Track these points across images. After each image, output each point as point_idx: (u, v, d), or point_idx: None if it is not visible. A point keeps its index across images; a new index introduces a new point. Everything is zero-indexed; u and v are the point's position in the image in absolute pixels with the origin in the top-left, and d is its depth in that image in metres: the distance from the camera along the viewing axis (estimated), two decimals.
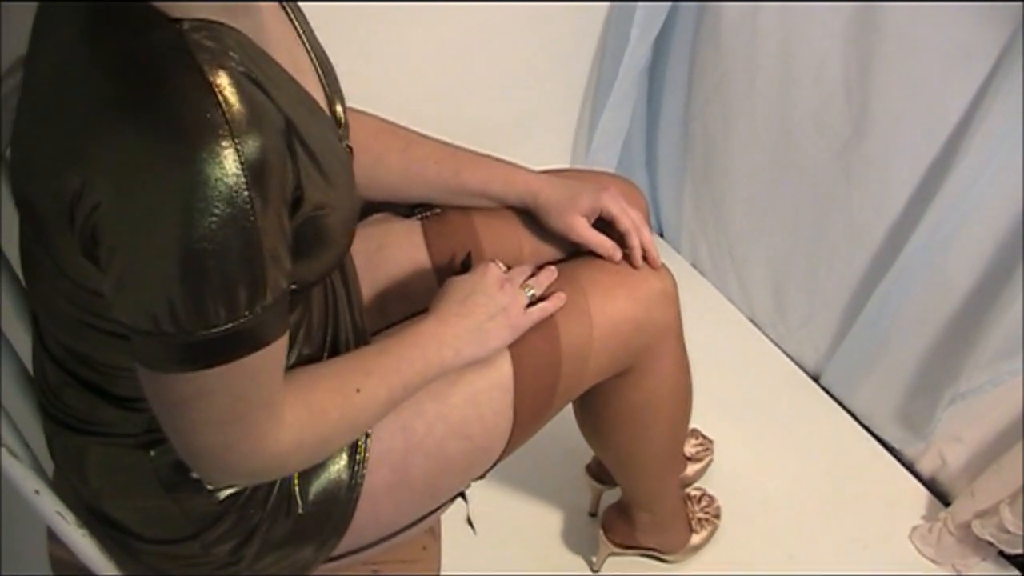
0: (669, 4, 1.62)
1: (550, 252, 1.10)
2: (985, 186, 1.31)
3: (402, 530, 0.97)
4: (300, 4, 0.90)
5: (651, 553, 1.41)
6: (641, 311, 1.02)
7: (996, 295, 1.35)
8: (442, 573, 1.08)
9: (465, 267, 1.05)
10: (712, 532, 1.45)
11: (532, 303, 0.97)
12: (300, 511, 0.89)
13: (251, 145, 0.64)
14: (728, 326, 1.87)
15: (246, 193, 0.63)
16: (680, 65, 1.76)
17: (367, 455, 0.91)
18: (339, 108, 0.89)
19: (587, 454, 1.43)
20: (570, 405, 1.10)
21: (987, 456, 1.46)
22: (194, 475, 0.83)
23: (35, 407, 0.91)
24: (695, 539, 1.42)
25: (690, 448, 1.54)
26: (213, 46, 0.66)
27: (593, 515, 1.50)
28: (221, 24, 0.68)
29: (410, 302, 1.06)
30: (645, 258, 1.05)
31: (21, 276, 0.87)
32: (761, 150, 1.68)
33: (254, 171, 0.64)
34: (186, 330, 0.66)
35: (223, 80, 0.64)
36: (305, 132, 0.73)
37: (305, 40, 0.87)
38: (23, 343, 0.91)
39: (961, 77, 1.30)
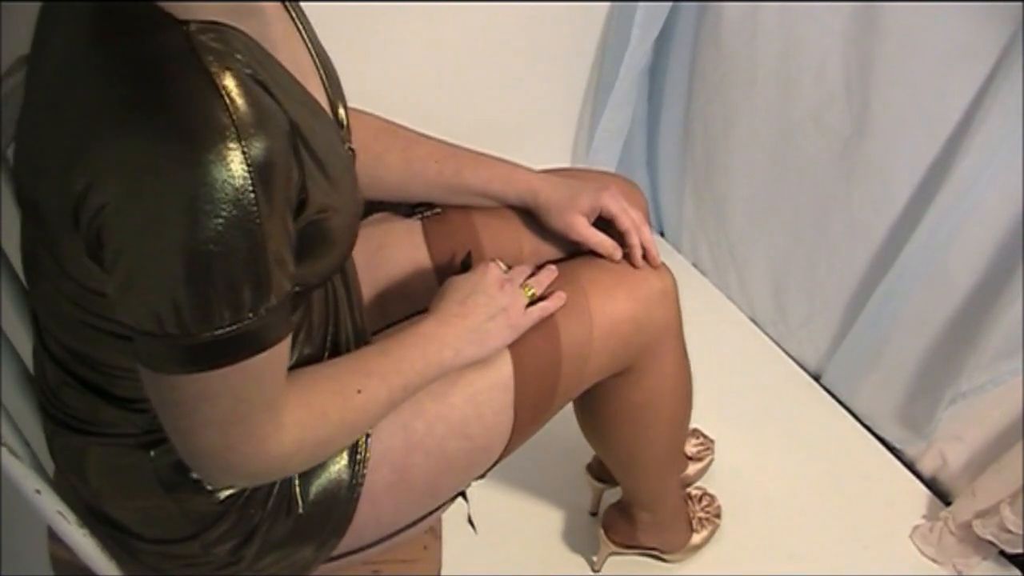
0: (670, 4, 1.62)
1: (550, 251, 1.10)
2: (985, 186, 1.31)
3: (402, 530, 0.97)
4: (301, 4, 0.90)
5: (652, 553, 1.41)
6: (641, 310, 1.02)
7: (997, 295, 1.35)
8: (443, 573, 1.08)
9: (465, 266, 1.05)
10: (713, 532, 1.45)
11: (532, 302, 0.97)
12: (300, 511, 0.89)
13: (257, 147, 0.64)
14: (729, 326, 1.87)
15: (252, 195, 0.63)
16: (681, 65, 1.76)
17: (367, 455, 0.91)
18: (341, 110, 0.89)
19: (587, 454, 1.43)
20: (570, 405, 1.10)
21: (988, 455, 1.46)
22: (194, 475, 0.83)
23: (35, 407, 0.91)
24: (696, 539, 1.42)
25: (691, 448, 1.54)
26: (220, 48, 0.66)
27: (594, 515, 1.50)
28: (227, 26, 0.68)
29: (410, 302, 1.07)
30: (645, 257, 1.05)
31: (22, 276, 0.87)
32: (762, 150, 1.68)
33: (260, 173, 0.64)
34: (190, 331, 0.66)
35: (230, 82, 0.64)
36: (309, 134, 0.73)
37: (308, 41, 0.87)
38: (24, 343, 0.91)
39: (961, 77, 1.30)
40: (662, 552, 1.41)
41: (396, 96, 1.16)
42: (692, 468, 1.52)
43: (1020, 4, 1.20)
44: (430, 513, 0.99)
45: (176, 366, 0.68)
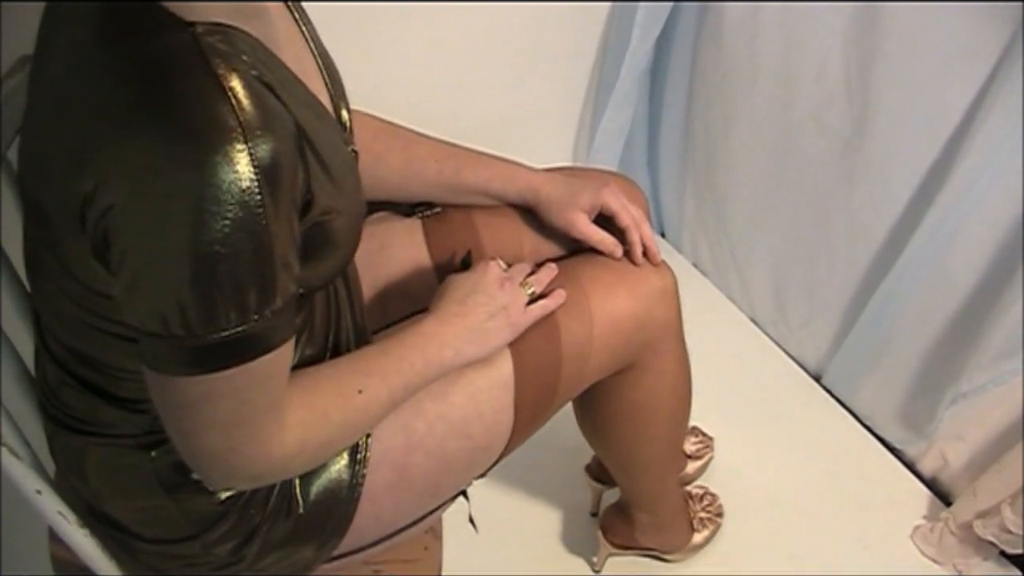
0: (671, 4, 1.62)
1: (551, 250, 1.10)
2: (986, 186, 1.31)
3: (403, 529, 0.97)
4: (303, 5, 0.90)
5: (651, 553, 1.41)
6: (642, 308, 1.02)
7: (997, 295, 1.35)
8: (443, 573, 1.08)
9: (465, 265, 1.05)
10: (714, 531, 1.45)
11: (532, 301, 0.97)
12: (301, 511, 0.89)
13: (264, 149, 0.64)
14: (729, 326, 1.87)
15: (258, 196, 0.63)
16: (682, 65, 1.76)
17: (368, 455, 0.91)
18: (344, 112, 0.89)
19: (587, 454, 1.43)
20: (570, 404, 1.10)
21: (989, 456, 1.46)
22: (195, 476, 0.83)
23: (36, 407, 0.91)
24: (697, 538, 1.42)
25: (690, 446, 1.54)
26: (226, 49, 0.66)
27: (594, 515, 1.49)
28: (233, 27, 0.68)
29: (411, 301, 1.07)
30: (646, 254, 1.05)
31: (24, 276, 0.87)
32: (762, 150, 1.68)
33: (267, 175, 0.64)
34: (195, 333, 0.66)
35: (236, 83, 0.64)
36: (314, 136, 0.73)
37: (311, 42, 0.87)
38: (24, 343, 0.91)
39: (962, 77, 1.30)
40: (662, 552, 1.41)
41: (397, 96, 1.17)
42: (691, 466, 1.52)
43: (1020, 4, 1.20)
44: (430, 513, 0.99)
45: (180, 367, 0.68)
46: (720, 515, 1.47)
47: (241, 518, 0.87)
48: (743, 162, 1.73)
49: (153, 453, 0.84)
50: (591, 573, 1.44)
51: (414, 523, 0.97)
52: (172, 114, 0.63)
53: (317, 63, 0.86)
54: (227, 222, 0.62)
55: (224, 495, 0.86)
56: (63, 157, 0.68)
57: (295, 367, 0.85)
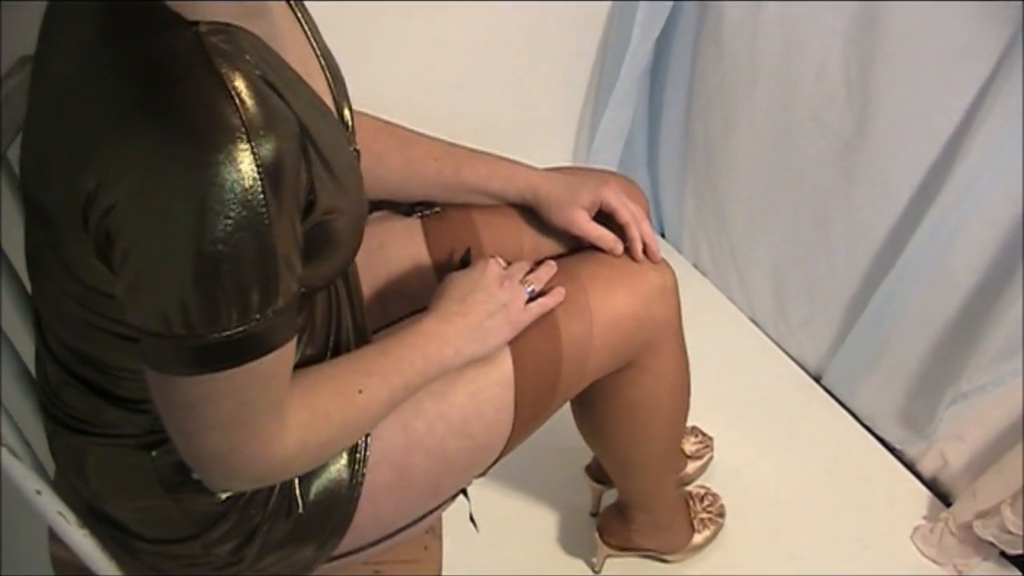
0: (671, 4, 1.62)
1: (550, 248, 1.10)
2: (986, 186, 1.31)
3: (403, 529, 0.97)
4: (306, 4, 0.90)
5: (650, 554, 1.41)
6: (641, 306, 1.02)
7: (997, 295, 1.35)
8: (443, 573, 1.08)
9: (464, 263, 1.05)
10: (716, 532, 1.45)
11: (532, 299, 0.97)
12: (301, 511, 0.89)
13: (267, 148, 0.64)
14: (729, 326, 1.87)
15: (262, 196, 0.63)
16: (682, 65, 1.76)
17: (368, 454, 0.91)
18: (347, 112, 0.89)
19: (587, 454, 1.43)
20: (568, 404, 1.10)
21: (989, 456, 1.46)
22: (195, 476, 0.83)
23: (36, 407, 0.91)
24: (697, 539, 1.42)
25: (690, 446, 1.54)
26: (229, 49, 0.66)
27: (594, 515, 1.49)
28: (236, 27, 0.68)
29: (411, 300, 1.07)
30: (645, 251, 1.05)
31: (25, 276, 0.87)
32: (762, 150, 1.68)
33: (270, 174, 0.64)
34: (197, 332, 0.66)
35: (240, 83, 0.64)
36: (317, 136, 0.73)
37: (313, 42, 0.87)
38: (25, 343, 0.91)
39: (962, 77, 1.30)
40: (661, 553, 1.40)
41: (398, 96, 1.17)
42: (691, 466, 1.52)
43: (1020, 4, 1.20)
44: (431, 512, 0.98)
45: (182, 367, 0.68)
46: (722, 515, 1.47)
47: (241, 518, 0.87)
48: (743, 162, 1.73)
49: (154, 453, 0.84)
50: (591, 574, 1.44)
51: (414, 523, 0.97)
52: (175, 113, 0.63)
53: (320, 62, 0.86)
54: (230, 222, 0.62)
55: (224, 495, 0.86)
56: (65, 156, 0.68)
57: (296, 367, 0.85)
